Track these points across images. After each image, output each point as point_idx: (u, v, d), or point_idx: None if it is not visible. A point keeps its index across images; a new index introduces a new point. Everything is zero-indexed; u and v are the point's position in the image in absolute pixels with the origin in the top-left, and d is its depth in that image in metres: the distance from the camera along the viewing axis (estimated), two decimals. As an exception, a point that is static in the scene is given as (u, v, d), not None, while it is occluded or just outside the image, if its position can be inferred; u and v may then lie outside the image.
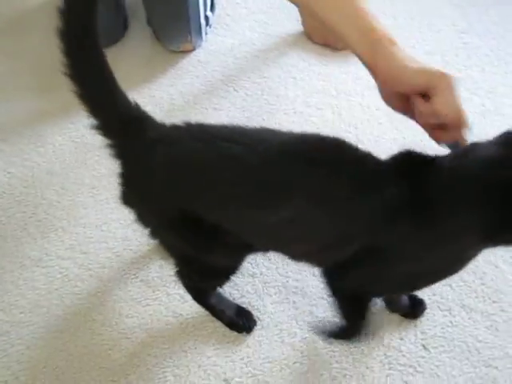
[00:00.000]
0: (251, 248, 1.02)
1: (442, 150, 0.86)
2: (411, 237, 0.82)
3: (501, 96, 1.65)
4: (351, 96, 1.64)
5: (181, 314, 1.25)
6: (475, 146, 0.82)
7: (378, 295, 1.03)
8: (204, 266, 1.06)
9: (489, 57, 1.74)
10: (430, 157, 0.85)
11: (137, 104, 0.93)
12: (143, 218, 0.98)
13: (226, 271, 1.11)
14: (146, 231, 1.01)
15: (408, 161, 0.86)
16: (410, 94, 0.88)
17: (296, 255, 1.00)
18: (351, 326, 1.05)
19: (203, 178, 0.87)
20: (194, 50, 1.77)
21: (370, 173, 0.85)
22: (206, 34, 1.78)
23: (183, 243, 1.00)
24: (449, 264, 0.88)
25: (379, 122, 1.57)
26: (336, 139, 0.89)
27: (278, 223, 0.86)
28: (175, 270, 1.12)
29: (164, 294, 1.28)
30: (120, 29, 1.82)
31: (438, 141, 0.89)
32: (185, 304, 1.26)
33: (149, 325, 1.24)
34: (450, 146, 0.88)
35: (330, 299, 1.03)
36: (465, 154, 0.81)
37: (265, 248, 1.04)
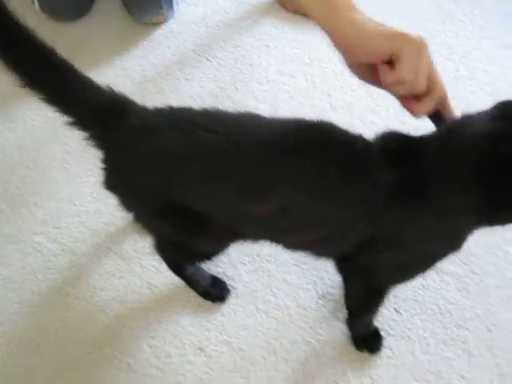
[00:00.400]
0: (239, 236, 1.01)
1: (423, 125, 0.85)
2: (410, 221, 0.82)
3: (474, 61, 1.64)
4: (324, 63, 1.62)
5: (155, 286, 1.25)
6: (466, 119, 0.79)
7: (390, 285, 1.01)
8: (188, 250, 1.05)
9: (463, 22, 1.73)
10: (415, 137, 0.84)
11: (111, 89, 0.88)
12: (127, 203, 0.96)
13: (210, 255, 1.11)
14: (130, 215, 0.98)
15: (395, 143, 0.84)
16: (374, 63, 0.81)
17: (290, 245, 0.99)
18: (369, 313, 1.08)
19: (185, 169, 0.85)
20: (165, 21, 1.74)
21: (361, 158, 0.83)
22: (178, 3, 1.74)
23: (168, 230, 0.98)
24: (447, 245, 0.88)
25: (352, 89, 1.56)
26: (323, 123, 0.86)
27: (267, 213, 0.85)
28: (153, 245, 1.10)
29: (138, 266, 1.28)
30: (87, 0, 1.77)
31: (414, 113, 0.83)
32: (159, 275, 1.26)
33: (123, 297, 1.25)
34: (431, 119, 0.85)
35: (348, 292, 1.06)
36: (456, 130, 0.79)
37: (255, 237, 1.02)
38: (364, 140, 0.86)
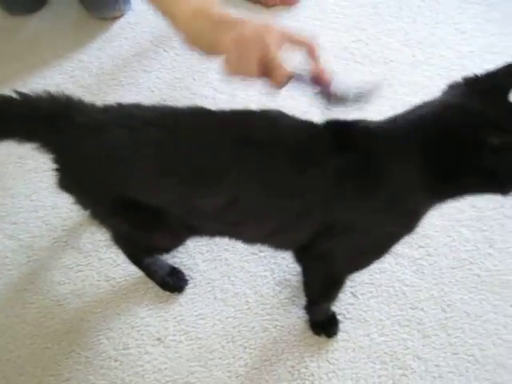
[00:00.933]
0: (195, 232, 1.01)
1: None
2: (362, 204, 0.83)
3: (431, 46, 1.66)
4: (282, 51, 1.62)
5: (113, 278, 1.25)
6: (411, 108, 0.82)
7: (349, 272, 1.02)
8: (145, 244, 1.05)
9: (420, 8, 1.74)
10: (363, 122, 0.85)
11: (50, 94, 0.87)
12: (82, 202, 0.95)
13: (168, 249, 1.11)
14: (86, 213, 0.97)
15: (343, 129, 0.85)
16: None
17: (247, 239, 0.99)
18: (328, 299, 1.09)
19: (134, 166, 0.84)
20: (123, 15, 1.72)
21: (310, 145, 0.83)
22: (135, -5, 1.73)
23: (125, 227, 0.98)
24: (401, 226, 0.89)
25: (310, 77, 1.56)
26: (270, 111, 0.86)
27: (217, 206, 0.85)
28: (111, 238, 1.10)
29: (96, 259, 1.28)
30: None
31: (276, 83, 0.81)
32: (117, 267, 1.26)
33: (81, 290, 1.24)
34: (321, 95, 0.83)
35: (307, 281, 1.06)
36: (402, 115, 0.82)
37: (211, 233, 1.02)
38: (313, 127, 0.86)
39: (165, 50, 1.63)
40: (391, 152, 0.80)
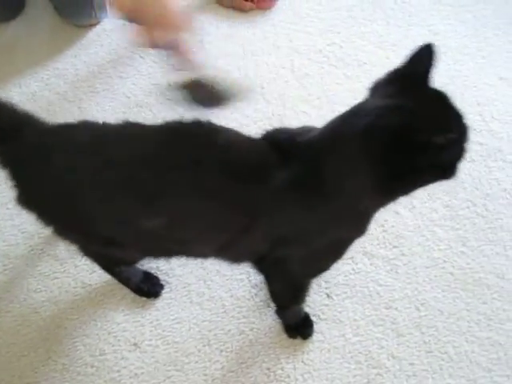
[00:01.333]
0: (149, 254, 1.02)
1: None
2: (309, 214, 0.82)
3: (405, 48, 1.63)
4: (258, 56, 1.64)
5: (89, 284, 1.25)
6: (352, 109, 0.80)
7: (308, 277, 1.02)
8: (110, 258, 1.07)
9: (393, 10, 1.76)
10: (303, 131, 0.84)
11: (12, 105, 0.89)
12: (41, 219, 0.94)
13: (132, 262, 1.13)
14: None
15: (282, 140, 0.84)
16: None
17: (199, 255, 0.99)
18: (295, 303, 1.10)
19: (74, 193, 0.84)
20: (99, 23, 1.73)
21: (249, 159, 0.82)
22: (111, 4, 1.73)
23: (84, 244, 1.01)
24: (351, 230, 0.88)
25: (285, 80, 1.58)
26: (201, 127, 0.85)
27: (161, 227, 0.83)
28: (78, 249, 1.08)
29: (72, 266, 1.28)
30: (18, 2, 1.74)
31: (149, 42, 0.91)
32: (93, 274, 1.26)
33: (57, 297, 1.24)
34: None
35: (271, 289, 1.06)
36: (341, 120, 0.80)
37: (164, 254, 1.02)
38: (250, 140, 0.86)
39: (141, 57, 1.64)
40: (334, 161, 0.79)
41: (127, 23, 0.98)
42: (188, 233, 0.87)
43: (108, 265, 1.16)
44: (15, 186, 0.90)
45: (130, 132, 0.87)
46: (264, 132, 0.87)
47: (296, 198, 0.80)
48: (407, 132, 0.70)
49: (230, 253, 0.95)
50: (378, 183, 0.78)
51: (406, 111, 0.72)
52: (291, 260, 0.92)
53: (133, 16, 0.94)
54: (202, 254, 0.98)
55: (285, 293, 1.07)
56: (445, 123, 0.74)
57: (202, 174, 0.80)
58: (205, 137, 0.84)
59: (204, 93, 0.86)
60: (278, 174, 0.79)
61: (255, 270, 1.03)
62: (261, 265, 0.99)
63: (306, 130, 0.84)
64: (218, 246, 0.90)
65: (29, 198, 0.90)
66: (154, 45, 0.94)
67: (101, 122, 0.90)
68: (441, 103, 0.76)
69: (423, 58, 0.80)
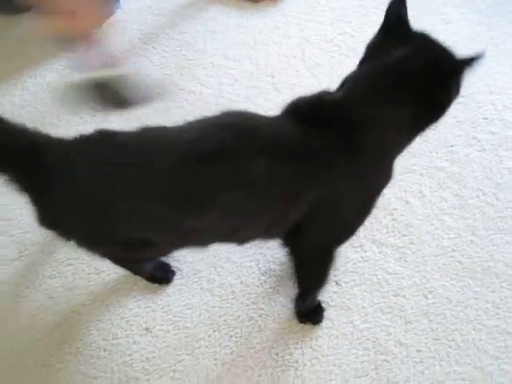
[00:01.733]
0: (184, 246, 1.02)
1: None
2: (351, 172, 0.86)
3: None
4: (269, 45, 1.64)
5: (102, 271, 1.28)
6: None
7: (346, 239, 1.04)
8: (134, 259, 1.11)
9: None
10: (326, 93, 0.89)
11: (25, 127, 0.85)
12: (64, 237, 0.94)
13: (156, 258, 1.18)
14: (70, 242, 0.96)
15: (309, 108, 0.87)
16: None
17: (242, 241, 1.00)
18: (322, 281, 1.11)
19: (111, 207, 0.83)
20: (112, 14, 1.74)
21: (287, 137, 0.85)
22: (123, -7, 1.75)
23: (112, 254, 1.04)
24: (387, 176, 0.93)
25: (296, 70, 1.59)
26: (237, 116, 0.87)
27: (213, 221, 0.85)
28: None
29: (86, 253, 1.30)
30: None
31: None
32: (106, 261, 1.28)
33: (72, 283, 1.27)
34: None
35: (299, 267, 1.08)
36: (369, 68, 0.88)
37: (203, 244, 1.02)
38: (281, 118, 0.89)
39: (153, 47, 1.66)
40: (376, 110, 0.84)
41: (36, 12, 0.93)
42: (241, 221, 0.89)
43: (129, 263, 1.18)
44: (38, 208, 0.87)
45: (156, 136, 0.85)
46: (284, 106, 0.90)
47: (342, 156, 0.84)
48: (436, 64, 0.81)
49: (275, 230, 0.97)
50: (417, 119, 0.87)
51: (423, 50, 0.83)
52: (329, 222, 0.94)
53: (43, 2, 0.87)
54: (244, 239, 0.99)
55: (313, 267, 1.07)
56: (451, 51, 0.85)
57: (248, 162, 0.81)
58: (243, 127, 0.85)
59: (109, 94, 0.83)
60: (317, 142, 0.83)
61: (282, 247, 1.04)
62: (292, 238, 1.00)
63: (323, 94, 0.89)
64: (267, 226, 0.92)
65: (54, 218, 0.89)
66: (64, 34, 0.87)
67: (114, 129, 0.87)
68: (433, 40, 0.86)
69: (396, 8, 0.89)
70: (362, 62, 0.90)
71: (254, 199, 0.85)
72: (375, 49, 0.89)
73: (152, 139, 0.85)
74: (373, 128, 0.84)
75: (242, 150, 0.82)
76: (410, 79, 0.83)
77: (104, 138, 0.85)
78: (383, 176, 0.92)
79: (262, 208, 0.87)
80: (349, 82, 0.88)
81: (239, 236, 0.96)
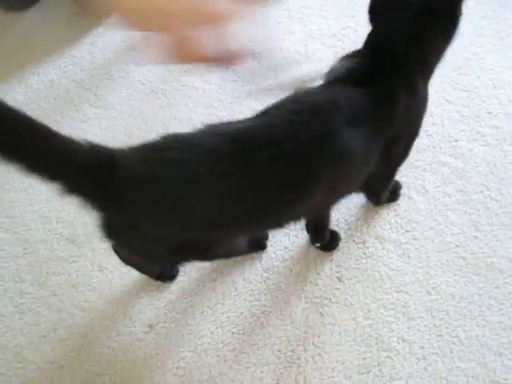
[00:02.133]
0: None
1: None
2: (409, 108, 0.94)
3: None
4: (271, 40, 1.63)
5: (106, 268, 1.29)
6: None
7: (400, 165, 1.13)
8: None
9: None
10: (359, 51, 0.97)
11: (90, 143, 0.78)
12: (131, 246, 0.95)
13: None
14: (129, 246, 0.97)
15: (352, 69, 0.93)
16: None
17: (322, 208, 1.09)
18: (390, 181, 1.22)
19: (192, 214, 0.80)
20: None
21: (356, 102, 0.88)
22: (126, -12, 1.74)
23: (178, 259, 1.03)
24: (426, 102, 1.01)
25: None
26: (300, 105, 0.88)
27: (316, 200, 0.88)
28: (112, 246, 1.10)
29: (89, 250, 1.31)
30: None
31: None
32: (109, 258, 1.29)
33: (75, 280, 1.28)
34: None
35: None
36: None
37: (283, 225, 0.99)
38: (337, 87, 0.92)
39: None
40: (415, 43, 0.91)
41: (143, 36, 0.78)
42: (339, 191, 0.99)
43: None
44: (110, 222, 0.83)
45: (234, 138, 0.81)
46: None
47: (403, 93, 0.92)
48: None
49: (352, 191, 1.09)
50: (446, 40, 0.93)
51: None
52: (396, 156, 1.05)
53: (146, 24, 0.71)
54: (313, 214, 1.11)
55: (382, 188, 1.21)
56: None
57: (341, 137, 0.84)
58: (318, 108, 0.87)
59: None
60: (381, 89, 0.90)
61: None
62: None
63: (348, 57, 0.98)
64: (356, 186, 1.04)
65: (126, 234, 0.86)
66: (200, 58, 0.71)
67: (181, 131, 0.83)
68: None
69: None
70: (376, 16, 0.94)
71: (354, 168, 0.91)
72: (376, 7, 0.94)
73: (235, 135, 0.82)
74: (420, 58, 0.93)
75: (333, 128, 0.84)
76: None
77: (174, 142, 0.81)
78: (426, 102, 1.00)
79: (359, 172, 0.95)
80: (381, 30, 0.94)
81: (329, 204, 1.08)
